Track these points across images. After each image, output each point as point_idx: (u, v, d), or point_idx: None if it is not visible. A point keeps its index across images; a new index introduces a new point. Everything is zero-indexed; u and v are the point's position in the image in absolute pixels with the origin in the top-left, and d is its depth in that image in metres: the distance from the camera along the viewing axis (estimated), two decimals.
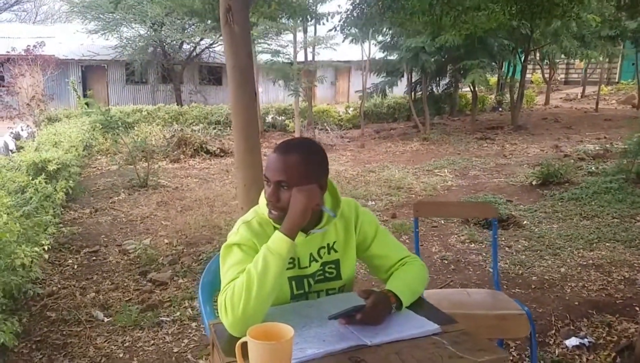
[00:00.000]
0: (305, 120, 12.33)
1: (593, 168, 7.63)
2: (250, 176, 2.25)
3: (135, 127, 10.63)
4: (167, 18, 15.04)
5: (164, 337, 3.10)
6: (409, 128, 13.87)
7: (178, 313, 3.35)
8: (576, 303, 3.41)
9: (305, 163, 1.45)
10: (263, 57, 12.83)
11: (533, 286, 3.75)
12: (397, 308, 1.45)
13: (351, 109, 14.94)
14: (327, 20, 8.82)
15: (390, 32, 11.94)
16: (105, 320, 3.31)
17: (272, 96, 19.67)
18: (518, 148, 10.55)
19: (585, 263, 4.14)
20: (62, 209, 5.62)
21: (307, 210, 1.40)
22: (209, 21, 14.09)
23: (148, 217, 5.73)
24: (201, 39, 17.21)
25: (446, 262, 4.34)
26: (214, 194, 6.76)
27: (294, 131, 13.14)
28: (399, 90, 15.96)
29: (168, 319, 3.30)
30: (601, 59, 17.54)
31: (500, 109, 17.82)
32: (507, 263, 4.25)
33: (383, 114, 15.58)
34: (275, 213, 1.46)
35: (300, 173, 1.43)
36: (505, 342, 2.76)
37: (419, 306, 1.52)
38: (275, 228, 1.49)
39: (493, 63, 12.91)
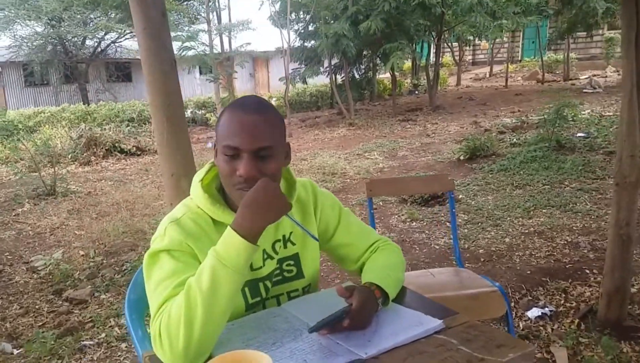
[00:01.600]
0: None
1: (515, 140, 7.86)
2: (178, 164, 1.86)
3: (39, 131, 9.57)
4: (66, 12, 13.81)
5: None
6: (334, 115, 13.77)
7: (103, 335, 2.88)
8: (528, 272, 3.35)
9: (282, 123, 1.14)
10: (175, 47, 12.05)
11: (482, 259, 3.67)
12: (384, 304, 1.17)
13: (274, 99, 14.57)
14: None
15: (309, 17, 11.73)
16: (15, 352, 2.78)
17: (188, 91, 18.79)
18: (439, 126, 10.75)
19: (527, 231, 4.13)
20: None
21: (279, 197, 1.05)
22: (113, 13, 13.12)
23: (58, 228, 5.06)
24: (106, 33, 15.99)
25: None
26: (133, 197, 6.16)
27: (215, 125, 12.55)
28: (320, 79, 15.83)
29: (92, 343, 2.82)
30: (505, 39, 18.56)
31: (416, 92, 18.27)
32: (451, 238, 4.16)
33: (306, 102, 15.40)
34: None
35: (282, 135, 1.12)
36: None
37: (403, 297, 1.26)
38: (215, 223, 1.15)
39: (409, 46, 13.06)
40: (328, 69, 13.32)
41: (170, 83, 1.84)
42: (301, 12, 13.15)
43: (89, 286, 3.50)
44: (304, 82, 13.77)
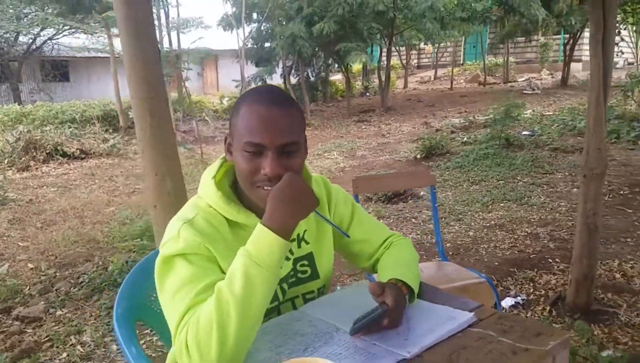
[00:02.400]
0: (177, 112, 11.43)
1: (466, 138, 8.12)
2: (162, 162, 1.75)
3: None
4: None
5: None
6: None
7: (65, 355, 2.65)
8: (496, 263, 3.45)
9: (303, 115, 1.08)
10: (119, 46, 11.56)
11: (451, 253, 3.74)
12: (410, 300, 1.13)
13: (226, 99, 14.30)
14: None
15: (263, 17, 11.67)
16: None
17: (127, 92, 18.08)
18: (392, 127, 10.96)
19: (488, 224, 4.26)
20: None
21: (308, 192, 1.00)
22: (50, 8, 12.38)
23: None
24: (42, 29, 15.05)
25: None
26: (80, 204, 5.80)
27: None
28: (275, 79, 15.75)
29: None
30: (449, 43, 19.19)
31: (367, 94, 18.52)
32: (418, 234, 4.24)
33: None
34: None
35: (304, 128, 1.06)
36: None
37: (422, 292, 1.24)
38: (230, 224, 1.07)
39: (363, 49, 13.25)
40: (282, 69, 13.26)
41: (153, 74, 1.73)
42: (254, 13, 13.02)
43: (42, 302, 3.21)
44: (264, 82, 13.66)
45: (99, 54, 16.74)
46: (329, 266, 1.25)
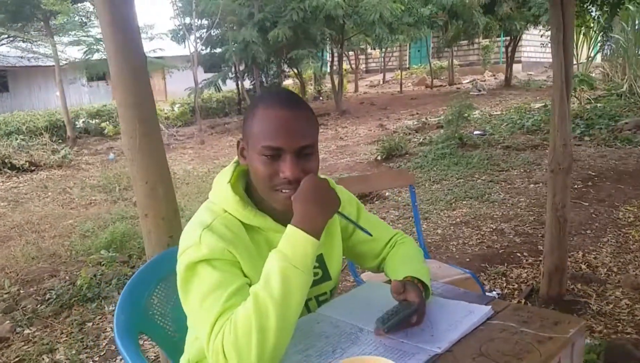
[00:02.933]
0: None
1: (422, 139, 8.34)
2: (152, 170, 1.71)
3: None
4: None
5: None
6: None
7: None
8: (467, 259, 3.56)
9: (315, 117, 1.08)
10: (70, 53, 11.11)
11: None
12: (426, 296, 1.15)
13: (178, 105, 13.99)
14: None
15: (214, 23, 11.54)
16: None
17: (74, 99, 17.39)
18: (349, 130, 11.08)
19: (454, 222, 4.40)
20: None
21: (331, 192, 1.03)
22: None
23: None
24: None
25: None
26: (36, 218, 5.52)
27: (113, 135, 11.74)
28: (229, 84, 15.56)
29: None
30: (395, 48, 19.68)
31: (320, 98, 18.62)
32: None
33: (213, 109, 15.00)
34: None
35: (318, 130, 1.08)
36: None
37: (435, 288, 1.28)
38: (246, 227, 1.07)
39: (316, 54, 13.35)
40: (236, 75, 13.14)
41: (140, 81, 1.69)
42: (204, 19, 12.84)
43: (7, 322, 3.04)
44: (219, 89, 13.48)
45: (40, 63, 16.00)
46: (338, 267, 1.25)
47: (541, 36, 13.33)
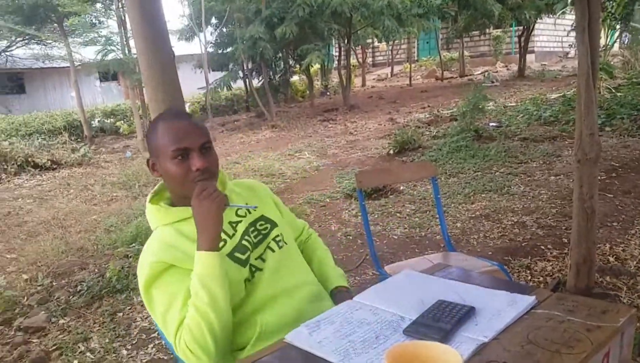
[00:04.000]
0: (143, 119, 11.18)
1: (435, 132, 8.30)
2: None
3: None
4: None
5: None
6: (253, 118, 13.61)
7: (76, 362, 2.63)
8: (490, 253, 3.55)
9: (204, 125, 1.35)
10: (83, 53, 11.21)
11: (442, 245, 3.82)
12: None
13: (188, 104, 14.08)
14: None
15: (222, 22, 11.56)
16: None
17: (88, 99, 17.55)
18: (358, 124, 11.04)
19: (473, 215, 4.38)
20: None
21: (220, 211, 1.22)
22: (2, 20, 11.83)
23: None
24: None
25: (351, 238, 4.24)
26: (61, 214, 5.66)
27: (128, 133, 11.86)
28: (238, 83, 15.60)
29: None
30: (403, 40, 19.51)
31: (327, 93, 18.57)
32: (406, 228, 4.31)
33: (222, 106, 15.08)
34: (213, 181, 1.27)
35: (209, 134, 1.33)
36: None
37: (470, 278, 1.29)
38: (177, 226, 1.31)
39: (323, 48, 13.30)
40: (244, 73, 13.16)
41: (169, 76, 1.72)
42: (213, 18, 12.88)
43: (43, 312, 3.17)
44: (229, 87, 13.53)
45: (54, 65, 16.17)
46: (278, 215, 1.45)
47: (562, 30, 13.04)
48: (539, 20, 15.83)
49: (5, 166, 7.88)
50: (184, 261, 1.23)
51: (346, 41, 13.74)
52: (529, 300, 1.13)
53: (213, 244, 1.21)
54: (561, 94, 10.17)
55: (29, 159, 8.11)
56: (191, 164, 1.23)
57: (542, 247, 3.52)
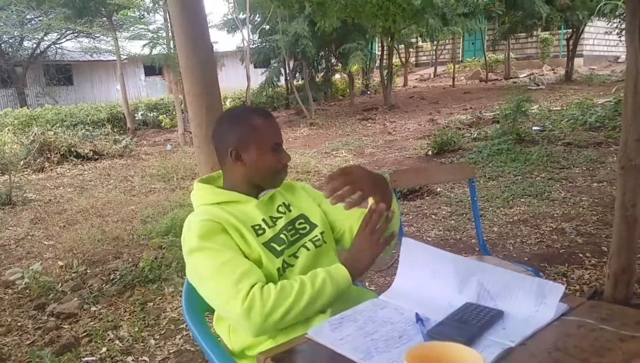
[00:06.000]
0: (185, 113, 11.45)
1: (475, 135, 8.12)
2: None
3: None
4: (2, 12, 12.86)
5: None
6: (292, 115, 13.70)
7: (104, 349, 2.68)
8: (526, 259, 3.45)
9: None
10: (129, 47, 11.56)
11: (477, 249, 3.73)
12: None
13: (229, 100, 14.31)
14: None
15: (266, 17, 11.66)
16: None
17: (133, 93, 18.11)
18: (398, 124, 10.94)
19: (511, 220, 4.26)
20: None
21: (378, 255, 1.31)
22: (53, 13, 12.37)
23: (24, 239, 4.70)
24: (45, 34, 15.05)
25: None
26: (100, 203, 5.83)
27: (170, 127, 12.15)
28: (281, 81, 15.75)
29: (94, 359, 2.61)
30: (447, 41, 19.18)
31: (368, 92, 18.48)
32: (440, 230, 4.23)
33: (262, 103, 15.22)
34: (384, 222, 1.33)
35: None
36: None
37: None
38: (221, 206, 1.34)
39: (365, 47, 13.22)
40: (285, 71, 13.25)
41: (207, 70, 1.74)
42: (257, 14, 13.02)
43: (76, 299, 3.24)
44: (274, 86, 13.68)
45: (101, 58, 16.75)
46: (321, 216, 1.46)
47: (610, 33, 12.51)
48: (589, 23, 15.23)
49: (49, 155, 8.15)
50: (234, 229, 1.27)
51: (389, 39, 13.63)
52: (560, 307, 1.08)
53: (358, 274, 1.30)
54: (608, 99, 9.76)
55: (72, 149, 8.37)
56: (282, 158, 1.36)
57: (580, 255, 3.39)
